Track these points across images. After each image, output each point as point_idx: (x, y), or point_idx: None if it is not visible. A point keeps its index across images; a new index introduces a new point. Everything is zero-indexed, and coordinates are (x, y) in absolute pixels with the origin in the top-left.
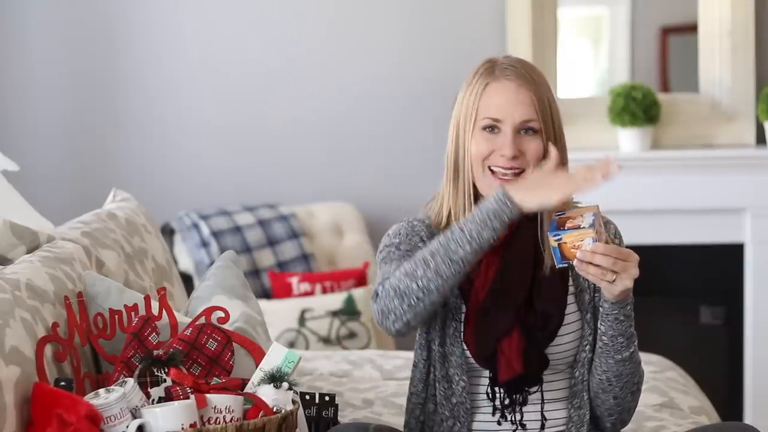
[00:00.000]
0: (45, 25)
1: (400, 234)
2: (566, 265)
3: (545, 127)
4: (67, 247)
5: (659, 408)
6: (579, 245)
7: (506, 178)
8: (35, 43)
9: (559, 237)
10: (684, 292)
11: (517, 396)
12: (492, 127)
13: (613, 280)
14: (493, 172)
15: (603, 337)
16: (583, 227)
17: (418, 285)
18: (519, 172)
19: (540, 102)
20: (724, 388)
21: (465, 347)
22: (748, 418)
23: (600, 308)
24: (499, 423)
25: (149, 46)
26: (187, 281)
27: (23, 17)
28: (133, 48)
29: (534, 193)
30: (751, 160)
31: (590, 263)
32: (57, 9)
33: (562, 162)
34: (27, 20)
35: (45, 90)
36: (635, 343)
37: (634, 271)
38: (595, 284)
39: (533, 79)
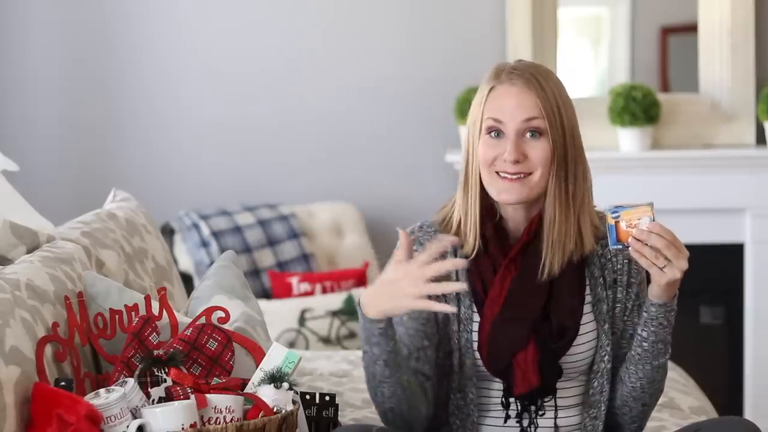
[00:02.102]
0: (45, 25)
1: None
2: (620, 247)
3: (551, 129)
4: (67, 247)
5: (659, 408)
6: (636, 224)
7: (512, 179)
8: (35, 42)
9: (618, 214)
10: (684, 292)
11: (532, 406)
12: (497, 131)
13: (663, 267)
14: (500, 176)
15: (644, 343)
16: (641, 205)
17: (383, 393)
18: (525, 176)
19: (545, 103)
20: (724, 388)
21: (477, 357)
22: (748, 418)
23: (645, 313)
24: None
25: (149, 46)
26: (187, 281)
27: (23, 17)
28: (133, 48)
29: (383, 302)
30: (751, 160)
31: (645, 244)
32: (57, 9)
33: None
34: (27, 20)
35: (45, 90)
36: (670, 351)
37: (684, 263)
38: (614, 296)
39: (539, 82)
